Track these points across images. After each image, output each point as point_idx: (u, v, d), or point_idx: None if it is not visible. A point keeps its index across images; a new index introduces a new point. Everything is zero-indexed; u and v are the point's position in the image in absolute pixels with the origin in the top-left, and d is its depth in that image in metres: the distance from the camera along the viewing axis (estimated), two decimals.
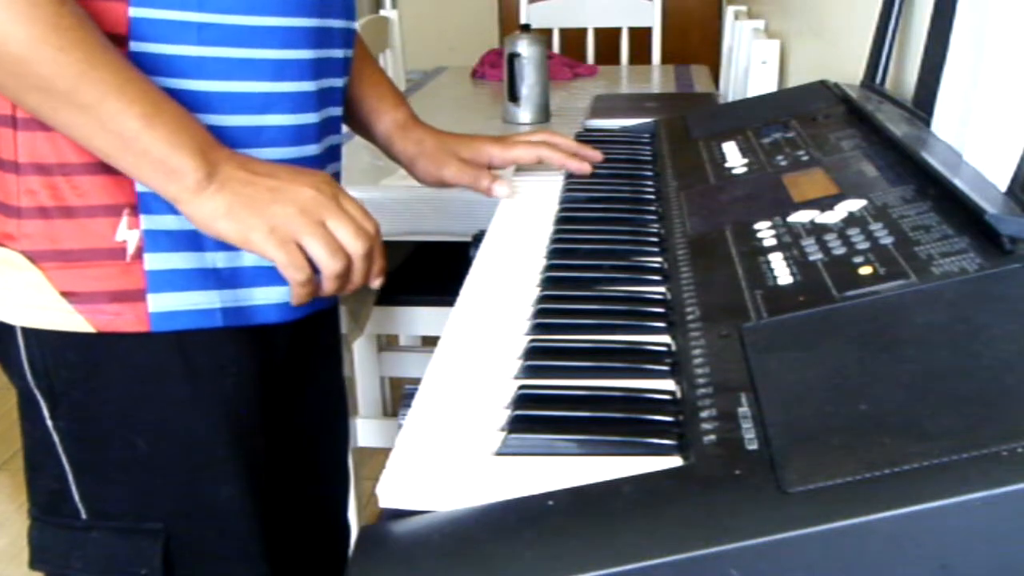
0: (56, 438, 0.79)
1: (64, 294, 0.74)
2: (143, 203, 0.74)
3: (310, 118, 0.82)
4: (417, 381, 0.62)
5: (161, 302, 0.75)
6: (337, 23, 0.84)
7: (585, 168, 1.05)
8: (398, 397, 1.42)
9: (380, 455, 0.57)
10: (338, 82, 0.87)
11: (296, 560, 0.97)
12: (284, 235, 0.72)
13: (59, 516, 0.81)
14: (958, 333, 0.55)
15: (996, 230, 0.62)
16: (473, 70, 2.55)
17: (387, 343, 2.18)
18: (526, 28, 1.91)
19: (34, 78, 0.66)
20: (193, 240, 0.75)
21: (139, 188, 0.74)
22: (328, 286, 0.75)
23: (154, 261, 0.75)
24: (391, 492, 0.51)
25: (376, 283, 0.79)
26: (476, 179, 1.00)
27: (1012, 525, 0.42)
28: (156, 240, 0.75)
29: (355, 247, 0.75)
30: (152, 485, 0.80)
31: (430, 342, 2.24)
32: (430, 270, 1.92)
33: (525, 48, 1.84)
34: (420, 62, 3.37)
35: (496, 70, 2.38)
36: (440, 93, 2.35)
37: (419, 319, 1.88)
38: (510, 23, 3.60)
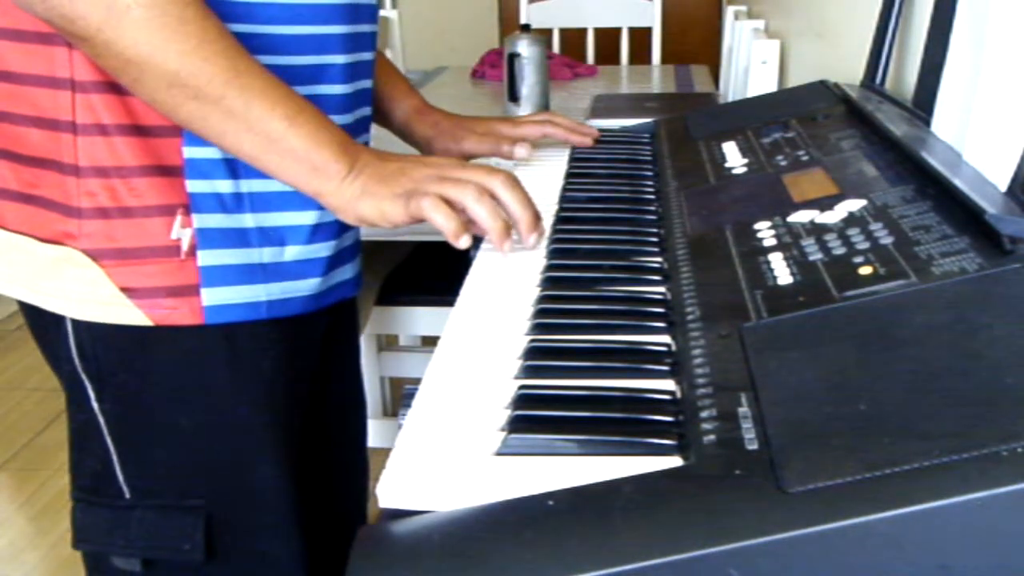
0: (101, 420, 0.82)
1: (123, 289, 0.78)
2: (194, 203, 0.78)
3: (343, 119, 0.86)
4: (417, 381, 0.62)
5: (213, 296, 0.79)
6: (366, 27, 0.88)
7: (587, 142, 1.14)
8: (398, 397, 1.42)
9: (380, 455, 0.57)
10: (368, 83, 0.91)
11: (326, 541, 0.98)
12: (404, 193, 0.77)
13: (103, 496, 0.83)
14: (958, 333, 0.55)
15: (996, 230, 0.62)
16: (473, 70, 2.55)
17: (387, 343, 2.18)
18: (526, 28, 1.91)
19: (189, 90, 0.71)
20: (241, 237, 0.80)
21: (190, 189, 0.78)
22: (476, 212, 0.78)
23: (206, 257, 0.79)
24: (391, 492, 0.51)
25: (532, 240, 0.83)
26: (496, 145, 1.07)
27: (1012, 525, 0.42)
28: (207, 237, 0.79)
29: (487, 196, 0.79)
30: (194, 463, 0.83)
31: (430, 342, 2.24)
32: (430, 270, 1.92)
33: (525, 48, 1.84)
34: (420, 62, 3.37)
35: (496, 70, 2.38)
36: (440, 93, 2.35)
37: (419, 319, 1.88)
38: (510, 23, 3.61)
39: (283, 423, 0.86)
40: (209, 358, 0.81)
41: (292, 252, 0.83)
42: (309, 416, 0.92)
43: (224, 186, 0.79)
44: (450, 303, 0.74)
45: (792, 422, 0.50)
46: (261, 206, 0.81)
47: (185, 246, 0.78)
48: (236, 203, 0.80)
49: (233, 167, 0.79)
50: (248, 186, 0.80)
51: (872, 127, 0.94)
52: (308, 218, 0.83)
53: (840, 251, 0.69)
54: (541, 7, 2.91)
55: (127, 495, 0.83)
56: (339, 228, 0.86)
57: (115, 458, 0.82)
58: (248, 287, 0.81)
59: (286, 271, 0.83)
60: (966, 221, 0.66)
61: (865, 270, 0.64)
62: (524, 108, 1.87)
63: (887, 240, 0.68)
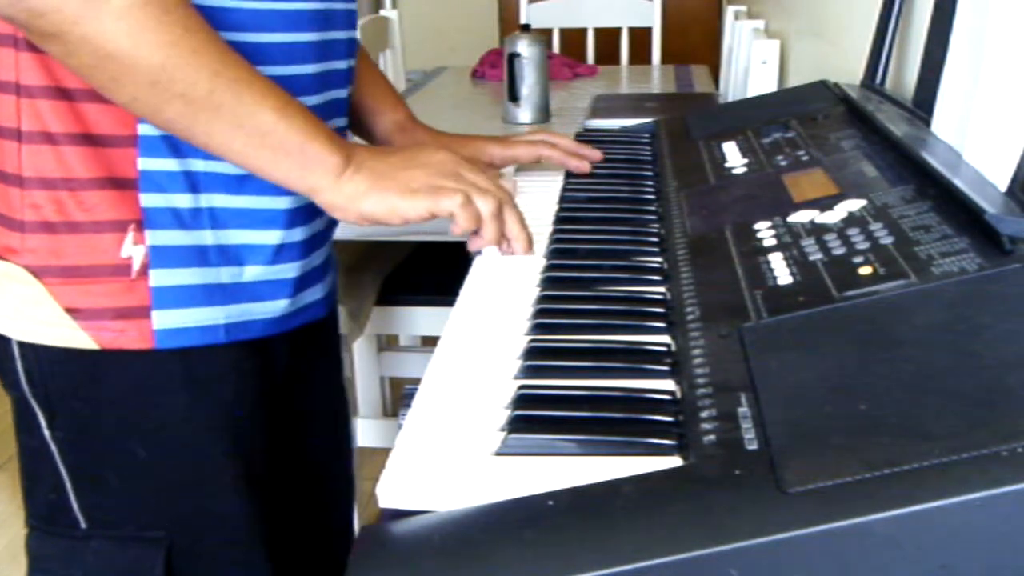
0: (54, 448, 0.78)
1: (68, 310, 0.74)
2: (148, 218, 0.74)
3: None
4: (417, 381, 0.62)
5: (166, 319, 0.75)
6: (340, 34, 0.84)
7: (584, 167, 1.05)
8: (398, 397, 1.42)
9: (380, 455, 0.57)
10: (342, 93, 0.87)
11: (301, 565, 0.96)
12: (423, 187, 0.75)
13: (58, 525, 0.80)
14: (958, 333, 0.55)
15: (996, 230, 0.62)
16: (473, 70, 2.55)
17: (387, 343, 2.18)
18: (526, 28, 1.90)
19: (176, 84, 0.66)
20: (199, 255, 0.76)
21: (144, 203, 0.73)
22: (488, 226, 0.78)
23: (159, 277, 0.75)
24: (391, 492, 0.51)
25: (521, 246, 0.82)
26: None
27: (1012, 525, 0.42)
28: (161, 256, 0.74)
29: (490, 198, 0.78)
30: (153, 493, 0.79)
31: (430, 342, 2.24)
32: (430, 270, 1.92)
33: (525, 48, 1.84)
34: (420, 62, 3.37)
35: (496, 70, 2.38)
36: (440, 93, 2.35)
37: (419, 319, 1.88)
38: (510, 23, 3.60)
39: (246, 449, 0.82)
40: (163, 384, 0.77)
41: (255, 272, 0.78)
42: (280, 436, 0.89)
43: (182, 200, 0.74)
44: (450, 303, 0.74)
45: (792, 422, 0.50)
46: (223, 223, 0.76)
47: (136, 265, 0.74)
48: (195, 219, 0.75)
49: (193, 181, 0.74)
50: (208, 201, 0.75)
51: (872, 127, 0.94)
52: (273, 237, 0.79)
53: (840, 251, 0.69)
54: (541, 7, 2.91)
55: (83, 525, 0.79)
56: (306, 248, 0.82)
57: (69, 487, 0.78)
58: (205, 309, 0.76)
59: (248, 292, 0.79)
60: (966, 221, 0.66)
61: (865, 270, 0.64)
62: (524, 108, 1.87)
63: (887, 240, 0.68)
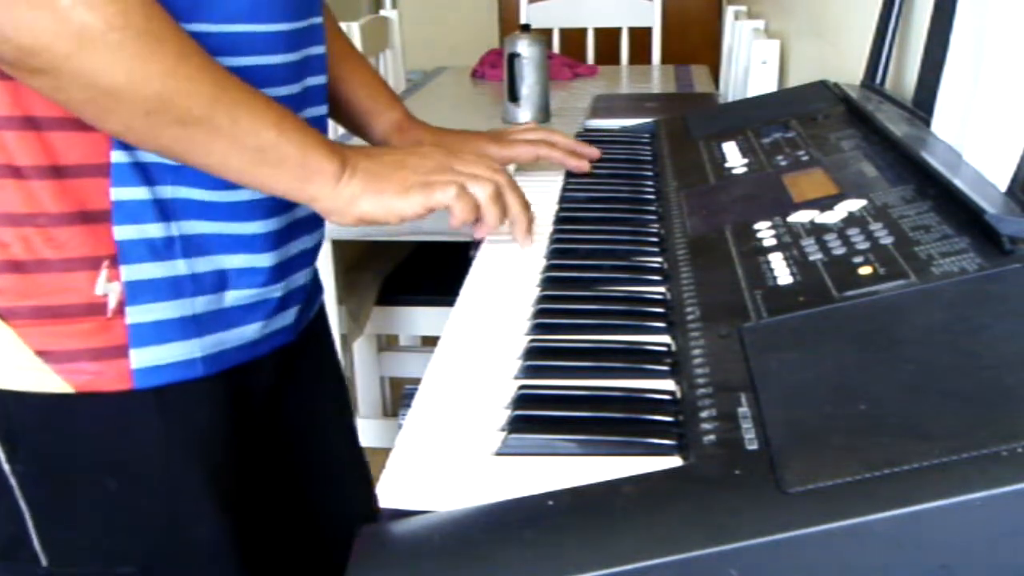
0: (13, 482, 0.73)
1: (39, 353, 0.70)
2: (122, 252, 0.70)
3: None
4: (417, 381, 0.62)
5: (143, 357, 0.72)
6: (316, 20, 0.82)
7: (584, 166, 1.05)
8: (398, 397, 1.42)
9: (380, 455, 0.57)
10: (320, 79, 0.84)
11: (307, 566, 0.95)
12: (416, 184, 0.75)
13: (17, 562, 0.76)
14: (958, 333, 0.55)
15: (996, 230, 0.62)
16: (473, 70, 2.55)
17: (387, 343, 2.18)
18: (526, 28, 1.90)
19: (172, 113, 0.64)
20: (173, 287, 0.73)
21: (118, 236, 0.70)
22: (488, 211, 0.78)
23: (136, 314, 0.71)
24: (391, 492, 0.51)
25: (525, 237, 0.82)
26: None
27: (1012, 525, 0.42)
28: (137, 291, 0.71)
29: (487, 183, 0.78)
30: (125, 527, 0.76)
31: (430, 342, 2.24)
32: (430, 270, 1.93)
33: (525, 48, 1.84)
34: (420, 62, 3.37)
35: (496, 70, 2.38)
36: (440, 93, 2.35)
37: (419, 319, 1.88)
38: (510, 23, 3.60)
39: (222, 477, 0.79)
40: (138, 420, 0.74)
41: (229, 298, 0.76)
42: (269, 454, 0.87)
43: (155, 230, 0.71)
44: (450, 303, 0.74)
45: (792, 422, 0.50)
46: (194, 250, 0.73)
47: (112, 303, 0.70)
48: (168, 248, 0.72)
49: (163, 208, 0.71)
50: (179, 228, 0.72)
51: (872, 127, 0.94)
52: (245, 261, 0.76)
53: (840, 251, 0.69)
54: (541, 7, 2.91)
55: (43, 562, 0.75)
56: (281, 271, 0.80)
57: (30, 522, 0.74)
58: (181, 344, 0.73)
59: (221, 320, 0.76)
60: (966, 221, 0.66)
61: (865, 270, 0.64)
62: (524, 108, 1.87)
63: (887, 240, 0.68)
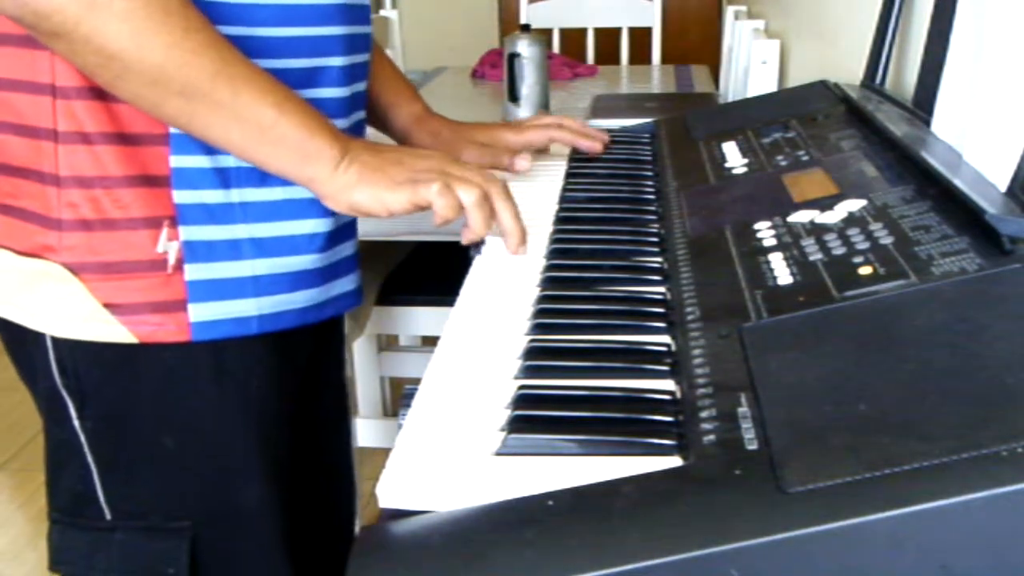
0: (83, 438, 0.79)
1: (106, 305, 0.75)
2: (181, 214, 0.76)
3: (341, 124, 0.84)
4: (417, 381, 0.62)
5: (201, 312, 0.77)
6: (363, 29, 0.87)
7: (596, 147, 1.10)
8: (398, 397, 1.42)
9: (380, 455, 0.58)
10: (364, 85, 0.89)
11: (315, 560, 0.97)
12: (406, 180, 0.76)
13: (82, 517, 0.81)
14: (958, 333, 0.55)
15: (996, 230, 0.62)
16: (473, 70, 2.55)
17: (387, 343, 2.18)
18: (526, 28, 1.90)
19: (175, 83, 0.68)
20: (232, 249, 0.77)
21: (177, 200, 0.75)
22: (472, 215, 0.79)
23: (194, 271, 0.76)
24: (391, 492, 0.51)
25: (519, 248, 0.83)
26: (496, 158, 1.03)
27: (1012, 525, 0.42)
28: (195, 251, 0.76)
29: (476, 190, 0.79)
30: (180, 484, 0.81)
31: (430, 342, 2.24)
32: (430, 270, 1.92)
33: (525, 48, 1.84)
34: (420, 62, 3.37)
35: (496, 70, 2.38)
36: (440, 93, 2.35)
37: (419, 319, 1.88)
38: (510, 23, 3.60)
39: (270, 442, 0.83)
40: (195, 376, 0.79)
41: (287, 263, 0.80)
42: (296, 434, 0.90)
43: (213, 196, 0.76)
44: (450, 303, 0.74)
45: (792, 422, 0.50)
46: (255, 216, 0.78)
47: (172, 260, 0.75)
48: (226, 214, 0.77)
49: (224, 176, 0.76)
50: (240, 196, 0.77)
51: (872, 127, 0.94)
52: (303, 227, 0.80)
53: (840, 251, 0.69)
54: (541, 7, 2.91)
55: (108, 516, 0.80)
56: (335, 238, 0.84)
57: (96, 478, 0.80)
58: (238, 301, 0.78)
59: (280, 284, 0.80)
60: (966, 221, 0.66)
61: (865, 270, 0.64)
62: (524, 108, 1.87)
63: (887, 240, 0.68)
